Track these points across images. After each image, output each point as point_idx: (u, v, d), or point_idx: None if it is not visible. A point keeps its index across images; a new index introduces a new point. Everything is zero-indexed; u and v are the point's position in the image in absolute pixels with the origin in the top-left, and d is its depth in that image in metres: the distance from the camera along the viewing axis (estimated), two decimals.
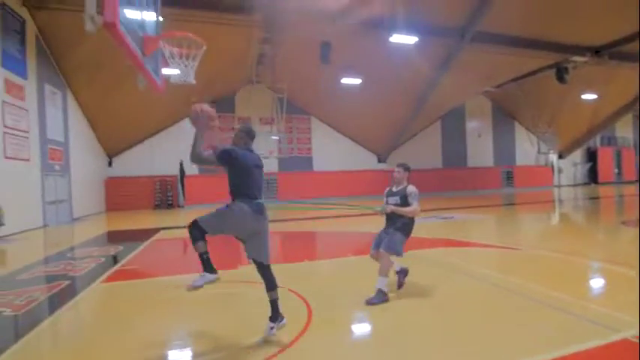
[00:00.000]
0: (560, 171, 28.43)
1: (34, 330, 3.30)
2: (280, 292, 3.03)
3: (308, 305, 3.59)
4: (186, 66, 3.43)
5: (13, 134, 10.36)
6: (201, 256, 2.94)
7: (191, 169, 18.36)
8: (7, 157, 10.06)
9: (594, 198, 18.42)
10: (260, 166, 3.07)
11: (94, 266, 5.77)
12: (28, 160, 11.13)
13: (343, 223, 11.35)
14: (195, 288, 2.91)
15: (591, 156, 29.88)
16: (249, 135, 3.10)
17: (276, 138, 17.98)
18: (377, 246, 3.86)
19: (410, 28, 12.78)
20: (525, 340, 2.76)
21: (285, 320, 3.00)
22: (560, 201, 17.82)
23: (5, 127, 10.03)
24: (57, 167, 13.10)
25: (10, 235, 9.78)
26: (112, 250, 7.22)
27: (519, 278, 4.41)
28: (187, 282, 3.01)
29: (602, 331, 2.82)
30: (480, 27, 13.58)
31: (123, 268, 5.74)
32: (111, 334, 3.21)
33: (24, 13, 10.88)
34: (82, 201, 15.16)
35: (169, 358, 2.80)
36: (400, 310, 3.52)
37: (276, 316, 2.95)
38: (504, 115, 26.61)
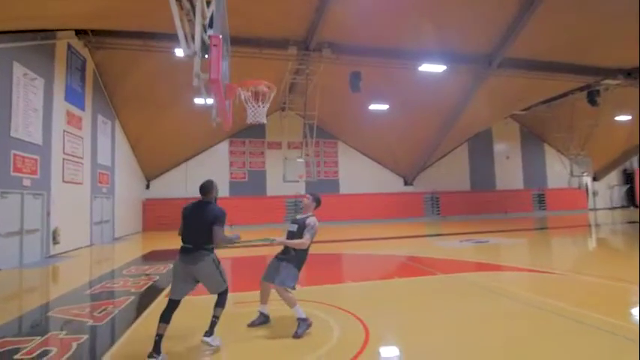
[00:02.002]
0: (595, 194, 27.42)
1: (121, 338, 3.73)
2: (335, 311, 3.29)
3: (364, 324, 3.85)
4: (258, 107, 3.92)
5: (70, 160, 11.35)
6: (156, 336, 3.09)
7: (223, 191, 19.15)
8: (64, 181, 11.00)
9: (632, 222, 17.64)
10: (195, 214, 3.33)
11: (151, 283, 6.24)
12: (81, 183, 12.09)
13: (376, 246, 11.51)
14: None
15: (628, 178, 28.71)
16: (200, 189, 3.43)
17: (302, 161, 18.59)
18: (269, 276, 3.81)
19: (438, 57, 13.23)
20: None
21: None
22: (597, 225, 17.20)
23: (65, 153, 11.03)
24: (104, 190, 14.06)
25: (64, 253, 10.57)
26: (162, 268, 7.70)
27: (562, 301, 4.49)
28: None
29: None
30: (508, 54, 13.85)
31: None
32: (187, 342, 3.56)
33: (85, 52, 12.17)
34: (122, 221, 16.05)
35: None
36: (444, 329, 3.71)
37: (211, 331, 3.33)
38: (533, 137, 26.24)
